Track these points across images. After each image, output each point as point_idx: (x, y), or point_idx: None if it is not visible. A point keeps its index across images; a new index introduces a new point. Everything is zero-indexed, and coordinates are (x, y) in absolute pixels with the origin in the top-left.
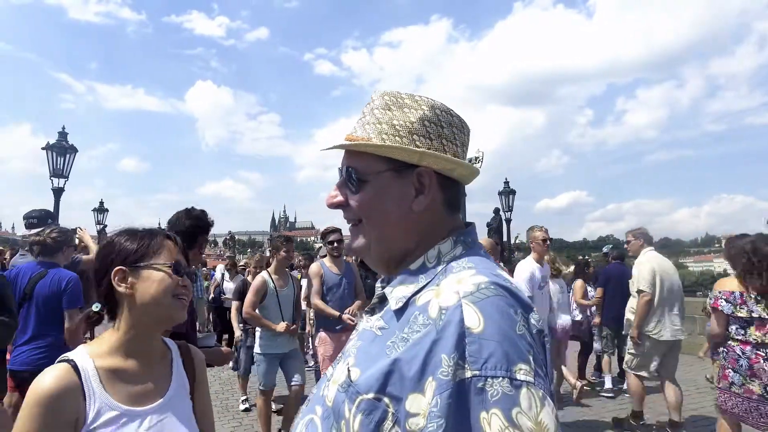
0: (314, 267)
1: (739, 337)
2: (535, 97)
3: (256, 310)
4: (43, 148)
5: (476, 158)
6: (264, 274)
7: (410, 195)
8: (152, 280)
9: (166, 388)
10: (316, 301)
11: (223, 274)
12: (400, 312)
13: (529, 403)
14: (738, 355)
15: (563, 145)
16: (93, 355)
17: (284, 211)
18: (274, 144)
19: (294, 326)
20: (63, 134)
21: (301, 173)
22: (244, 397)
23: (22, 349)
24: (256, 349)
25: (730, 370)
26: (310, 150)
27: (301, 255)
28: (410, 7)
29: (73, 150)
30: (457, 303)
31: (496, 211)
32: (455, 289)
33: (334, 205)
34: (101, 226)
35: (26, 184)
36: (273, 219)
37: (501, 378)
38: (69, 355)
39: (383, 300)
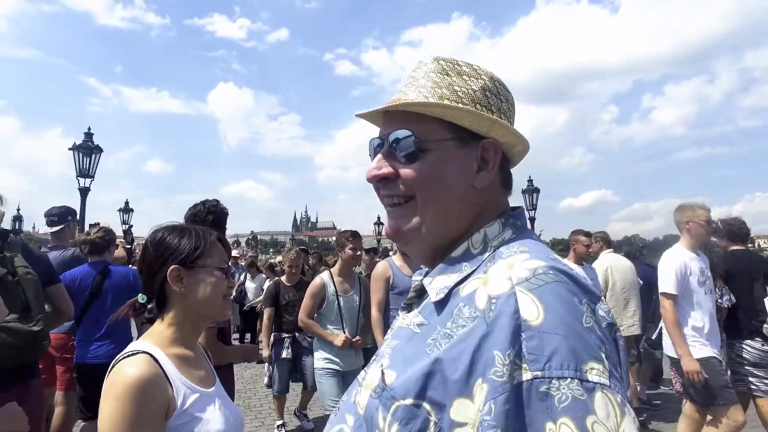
0: (381, 267)
1: None
2: (558, 94)
3: (310, 318)
4: (70, 149)
5: None
6: (324, 275)
7: (472, 170)
8: (207, 282)
9: (213, 374)
10: (375, 312)
11: (245, 274)
12: (441, 305)
13: (606, 410)
14: None
15: (587, 142)
16: (158, 345)
17: (306, 211)
18: (295, 144)
19: (358, 339)
20: (89, 135)
21: (321, 173)
22: (281, 421)
23: (100, 344)
24: (317, 365)
25: None
26: (330, 150)
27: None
28: (431, 6)
29: (99, 150)
30: (510, 291)
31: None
32: (507, 275)
33: (379, 178)
34: (127, 225)
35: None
36: (294, 219)
37: (569, 379)
38: (137, 346)
39: (422, 293)
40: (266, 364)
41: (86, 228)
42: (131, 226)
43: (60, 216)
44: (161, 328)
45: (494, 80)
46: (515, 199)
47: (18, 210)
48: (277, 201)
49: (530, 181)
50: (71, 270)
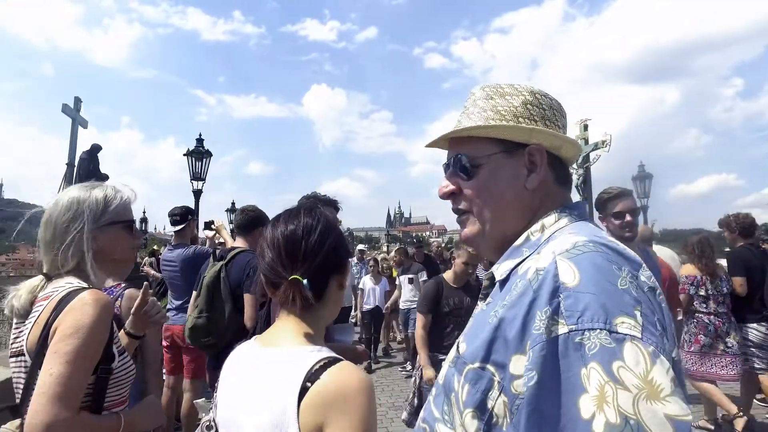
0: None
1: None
2: (667, 71)
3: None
4: (184, 155)
5: (603, 142)
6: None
7: (523, 174)
8: (342, 291)
9: None
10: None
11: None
12: (503, 284)
13: (635, 358)
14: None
15: (703, 122)
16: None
17: (399, 207)
18: (387, 141)
19: None
20: (200, 140)
21: (414, 169)
22: None
23: None
24: None
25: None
26: (422, 145)
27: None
28: None
29: (209, 154)
30: (552, 260)
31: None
32: (552, 249)
33: (446, 195)
34: (233, 224)
35: (171, 190)
36: (388, 215)
37: (598, 330)
38: (322, 350)
39: (493, 282)
40: (411, 392)
41: (200, 227)
42: None
43: (182, 216)
44: (304, 326)
45: (534, 93)
46: (630, 186)
47: (144, 213)
48: (370, 198)
49: (641, 166)
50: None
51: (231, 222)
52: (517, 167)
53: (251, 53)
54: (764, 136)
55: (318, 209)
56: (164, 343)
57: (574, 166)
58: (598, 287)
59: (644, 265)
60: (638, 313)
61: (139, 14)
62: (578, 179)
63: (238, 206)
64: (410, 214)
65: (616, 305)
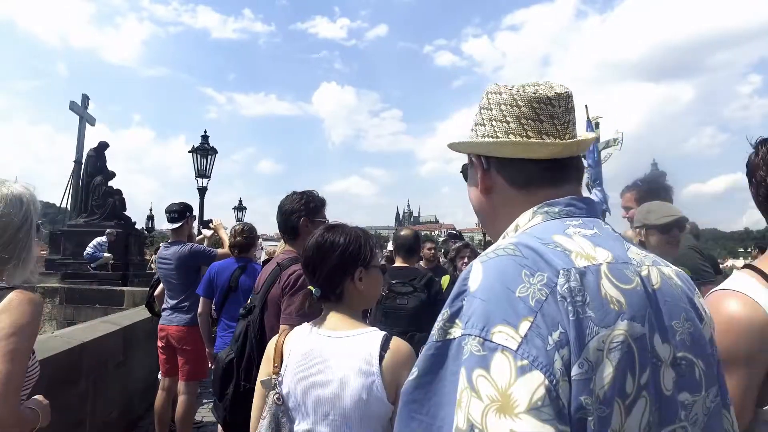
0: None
1: None
2: (681, 68)
3: None
4: (189, 152)
5: (614, 140)
6: None
7: (479, 182)
8: (375, 279)
9: None
10: None
11: None
12: None
13: (501, 369)
14: None
15: (718, 121)
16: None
17: (408, 206)
18: (397, 139)
19: None
20: (205, 137)
21: (424, 167)
22: None
23: None
24: None
25: None
26: (432, 144)
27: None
28: None
29: (214, 151)
30: (472, 265)
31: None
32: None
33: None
34: (239, 222)
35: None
36: (397, 213)
37: (474, 337)
38: (375, 329)
39: None
40: None
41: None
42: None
43: (180, 212)
44: (338, 316)
45: (488, 92)
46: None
47: (150, 210)
48: (380, 196)
49: (654, 164)
50: (218, 262)
51: (237, 220)
52: (475, 176)
53: (261, 51)
54: None
55: (334, 228)
56: (159, 344)
57: (586, 165)
58: (491, 293)
59: (569, 271)
60: (526, 324)
61: (150, 12)
62: (589, 177)
63: (246, 204)
64: (419, 212)
65: (500, 313)
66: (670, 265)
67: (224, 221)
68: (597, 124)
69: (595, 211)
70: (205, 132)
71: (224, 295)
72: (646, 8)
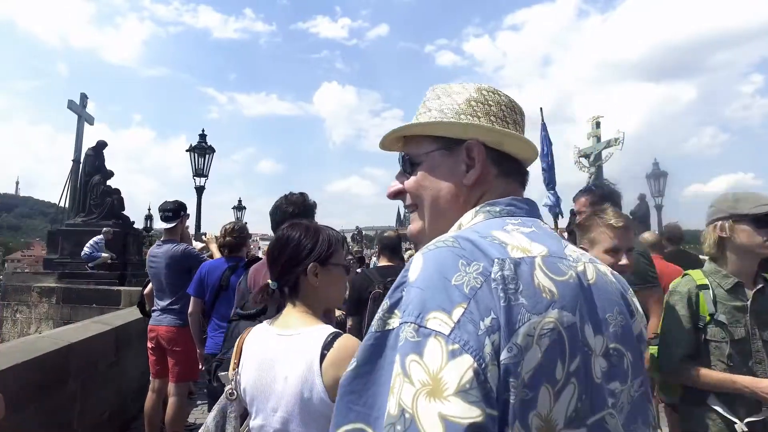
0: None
1: None
2: (683, 68)
3: None
4: (186, 150)
5: (615, 140)
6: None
7: (461, 170)
8: (335, 278)
9: None
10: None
11: None
12: None
13: (434, 354)
14: None
15: (720, 120)
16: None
17: None
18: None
19: None
20: (202, 136)
21: None
22: None
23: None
24: None
25: None
26: None
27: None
28: None
29: (211, 150)
30: (412, 257)
31: (642, 197)
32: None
33: (392, 194)
34: (233, 221)
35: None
36: (398, 213)
37: (409, 323)
38: (327, 326)
39: None
40: None
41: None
42: (246, 223)
43: (174, 211)
44: (291, 311)
45: (481, 90)
46: (635, 188)
47: (149, 209)
48: (380, 196)
49: (656, 164)
50: (208, 261)
51: (237, 220)
52: (455, 164)
53: (262, 51)
54: None
55: (290, 225)
56: (149, 345)
57: (586, 164)
58: (428, 282)
59: (510, 261)
60: (460, 310)
61: (150, 12)
62: (590, 178)
63: (246, 204)
64: None
65: (435, 300)
66: (605, 264)
67: (224, 221)
68: (598, 124)
69: (535, 211)
70: (203, 131)
71: (215, 294)
72: (647, 8)
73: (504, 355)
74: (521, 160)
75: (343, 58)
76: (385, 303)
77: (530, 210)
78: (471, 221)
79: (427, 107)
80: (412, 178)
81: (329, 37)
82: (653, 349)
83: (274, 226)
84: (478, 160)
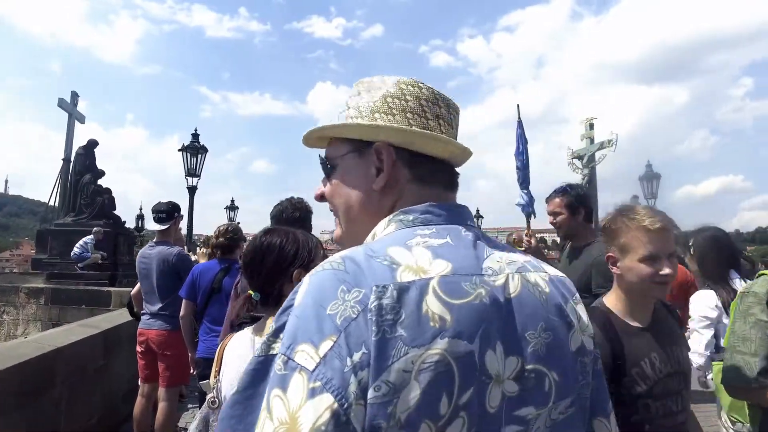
0: None
1: None
2: (675, 71)
3: None
4: (179, 150)
5: (609, 141)
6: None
7: (371, 174)
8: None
9: None
10: None
11: None
12: None
13: (296, 390)
14: None
15: (711, 123)
16: None
17: None
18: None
19: None
20: (195, 135)
21: None
22: None
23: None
24: None
25: None
26: None
27: None
28: None
29: (204, 150)
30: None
31: (634, 199)
32: None
33: (317, 198)
34: (227, 222)
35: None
36: None
37: (280, 355)
38: None
39: None
40: None
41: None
42: (238, 223)
43: (168, 213)
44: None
45: (399, 83)
46: (627, 190)
47: (141, 209)
48: None
49: (649, 165)
50: (201, 263)
51: (230, 220)
52: (367, 168)
53: (256, 50)
54: None
55: (273, 231)
56: (138, 349)
57: (579, 165)
58: (303, 310)
59: (395, 286)
60: (328, 343)
61: (144, 10)
62: (583, 179)
63: (240, 204)
64: None
65: (306, 332)
66: (546, 269)
67: (217, 220)
68: (591, 125)
69: (456, 218)
70: (196, 130)
71: (207, 297)
72: (640, 10)
73: (371, 394)
74: (447, 160)
75: (337, 58)
76: (272, 326)
77: (450, 216)
78: (383, 231)
79: (347, 104)
80: (329, 184)
81: (324, 37)
82: (718, 365)
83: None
84: (387, 163)
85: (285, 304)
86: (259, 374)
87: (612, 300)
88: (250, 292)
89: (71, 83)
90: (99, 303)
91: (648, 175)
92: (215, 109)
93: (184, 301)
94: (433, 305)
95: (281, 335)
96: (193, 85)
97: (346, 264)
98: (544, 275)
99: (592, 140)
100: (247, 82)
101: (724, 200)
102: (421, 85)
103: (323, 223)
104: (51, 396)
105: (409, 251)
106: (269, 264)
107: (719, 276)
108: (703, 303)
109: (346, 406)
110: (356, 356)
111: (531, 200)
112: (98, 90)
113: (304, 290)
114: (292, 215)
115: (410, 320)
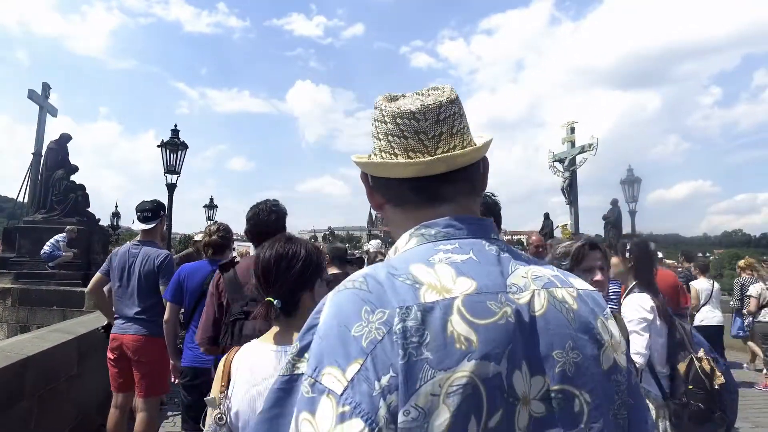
0: None
1: None
2: (649, 77)
3: None
4: (158, 146)
5: (590, 145)
6: None
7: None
8: (323, 292)
9: None
10: None
11: None
12: None
13: (325, 413)
14: None
15: (682, 129)
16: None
17: None
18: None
19: None
20: (175, 131)
21: None
22: None
23: None
24: None
25: None
26: None
27: None
28: None
29: (184, 146)
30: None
31: (614, 202)
32: None
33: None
34: (212, 221)
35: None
36: (370, 214)
37: (307, 377)
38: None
39: None
40: None
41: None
42: (216, 222)
43: (153, 211)
44: (284, 330)
45: (380, 104)
46: (605, 193)
47: (116, 207)
48: (353, 196)
49: (630, 170)
50: (189, 264)
51: (208, 219)
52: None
53: (235, 46)
54: (741, 144)
55: (293, 240)
56: (110, 356)
57: (560, 169)
58: (328, 332)
59: (418, 308)
60: (355, 366)
61: (119, 2)
62: (564, 182)
63: (217, 202)
64: None
65: (332, 354)
66: (574, 284)
67: (195, 219)
68: (572, 129)
69: (481, 231)
70: (176, 126)
71: (196, 300)
72: (617, 17)
73: (401, 419)
74: (427, 175)
75: (317, 56)
76: (296, 345)
77: (472, 230)
78: (405, 245)
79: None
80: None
81: (304, 35)
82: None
83: (253, 232)
84: (366, 191)
85: (309, 322)
86: (285, 393)
87: None
88: (269, 299)
89: (40, 74)
90: (71, 304)
91: (629, 179)
92: (192, 106)
93: (168, 304)
94: (458, 326)
95: (306, 355)
96: (170, 80)
97: (368, 283)
98: (572, 290)
99: (573, 144)
100: (226, 78)
101: (695, 204)
102: (396, 100)
103: (301, 222)
104: (19, 409)
105: (432, 269)
106: (296, 273)
107: (650, 281)
108: (640, 306)
109: (376, 431)
110: (384, 380)
111: None
112: (70, 83)
113: (328, 310)
114: (268, 218)
115: (436, 342)
